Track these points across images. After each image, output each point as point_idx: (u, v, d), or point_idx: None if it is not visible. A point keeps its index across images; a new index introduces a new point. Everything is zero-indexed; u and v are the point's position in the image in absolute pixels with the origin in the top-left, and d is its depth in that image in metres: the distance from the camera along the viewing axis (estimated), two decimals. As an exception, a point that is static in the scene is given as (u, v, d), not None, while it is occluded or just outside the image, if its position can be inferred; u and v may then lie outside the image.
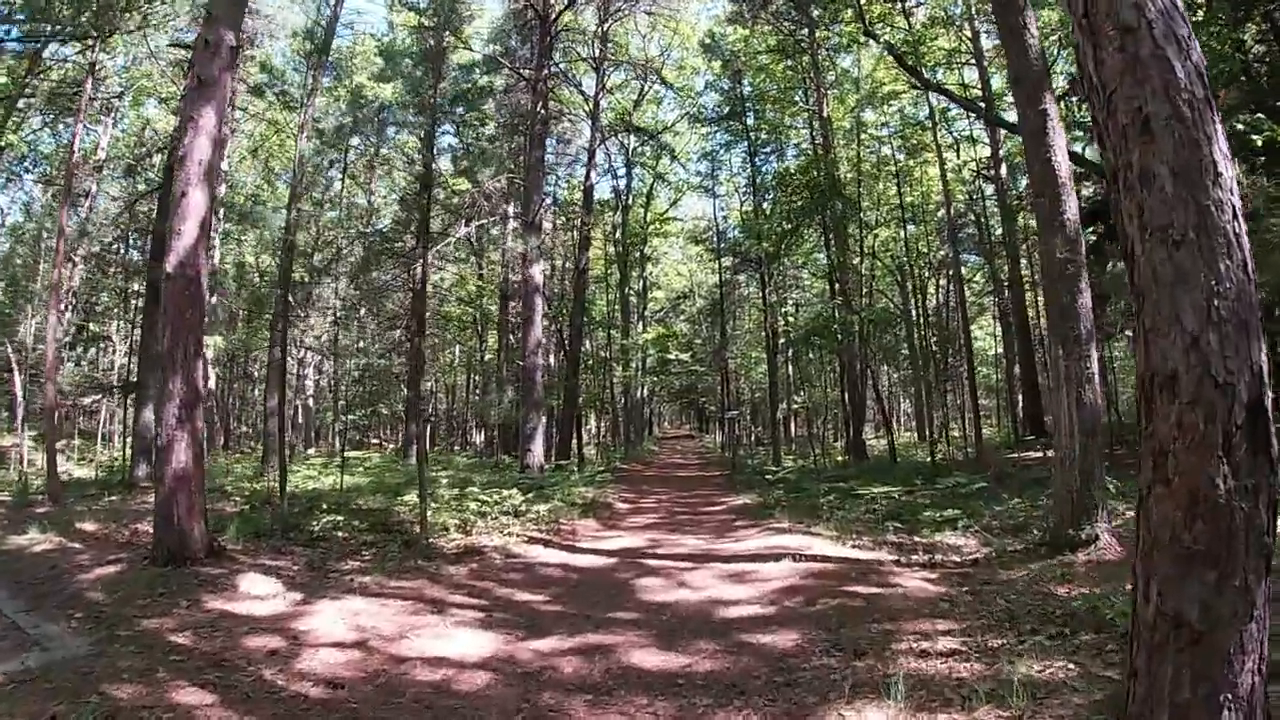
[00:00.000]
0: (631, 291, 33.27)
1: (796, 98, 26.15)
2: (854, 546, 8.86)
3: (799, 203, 20.20)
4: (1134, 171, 2.73)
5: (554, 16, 21.15)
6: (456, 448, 35.67)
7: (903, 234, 24.91)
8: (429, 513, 10.43)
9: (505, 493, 12.22)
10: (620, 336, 30.73)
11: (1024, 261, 24.59)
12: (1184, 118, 2.71)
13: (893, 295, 25.22)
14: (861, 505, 11.28)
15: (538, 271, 19.52)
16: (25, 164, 24.07)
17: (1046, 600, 5.86)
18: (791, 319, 28.17)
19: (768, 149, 27.99)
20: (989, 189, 24.86)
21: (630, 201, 30.68)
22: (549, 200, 27.82)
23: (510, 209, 24.14)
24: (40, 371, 19.35)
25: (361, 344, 27.49)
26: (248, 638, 5.68)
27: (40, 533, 9.58)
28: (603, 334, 31.71)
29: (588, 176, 24.94)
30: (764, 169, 27.20)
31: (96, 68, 17.94)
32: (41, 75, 18.42)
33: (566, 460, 21.11)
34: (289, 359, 30.76)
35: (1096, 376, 7.55)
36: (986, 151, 24.61)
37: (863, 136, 25.31)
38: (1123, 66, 2.82)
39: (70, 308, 26.19)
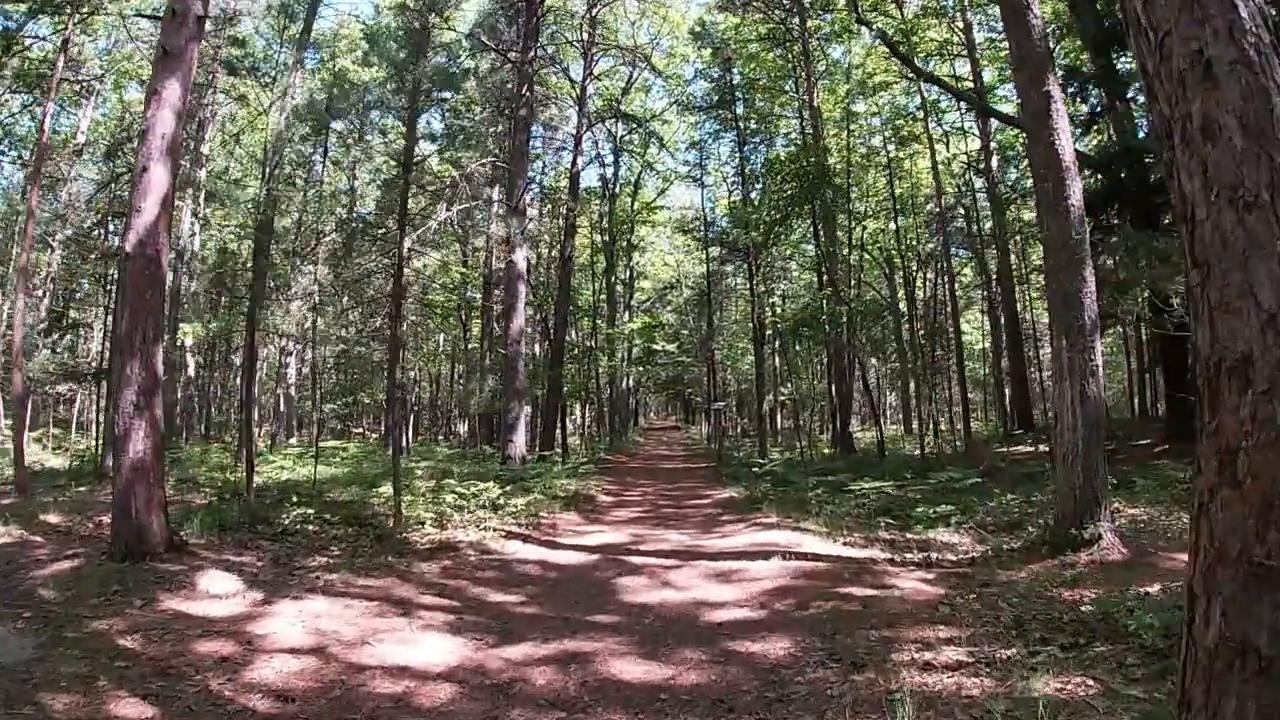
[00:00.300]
0: (618, 281, 32.81)
1: (787, 87, 25.84)
2: (845, 544, 8.53)
3: (789, 191, 19.83)
4: (1194, 123, 2.36)
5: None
6: (441, 438, 35.22)
7: (892, 225, 24.66)
8: (404, 505, 10.03)
9: (482, 485, 11.83)
10: (606, 326, 30.30)
11: (1013, 256, 24.37)
12: (1251, 62, 2.34)
13: (880, 287, 24.95)
14: (851, 500, 11.01)
15: (521, 258, 19.05)
16: (1, 145, 23.44)
17: (1053, 605, 5.49)
18: (779, 309, 27.86)
19: (756, 138, 27.62)
20: (979, 182, 24.61)
21: (618, 190, 30.17)
22: (535, 187, 27.34)
23: (494, 193, 23.67)
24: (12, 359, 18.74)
25: (344, 331, 26.89)
26: (200, 642, 5.28)
27: (2, 525, 9.12)
28: (588, 323, 31.22)
29: (574, 163, 24.47)
30: (753, 159, 26.84)
31: (69, 45, 17.34)
32: (20, 54, 17.82)
33: (550, 451, 20.67)
34: (269, 347, 30.27)
35: (1100, 369, 7.22)
36: (977, 144, 24.33)
37: (853, 127, 24.97)
38: (1179, 4, 2.44)
39: (48, 294, 25.59)
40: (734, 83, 26.04)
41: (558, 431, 23.58)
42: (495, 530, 9.91)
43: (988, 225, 23.83)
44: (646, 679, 4.70)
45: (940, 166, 23.39)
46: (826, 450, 22.77)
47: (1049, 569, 6.58)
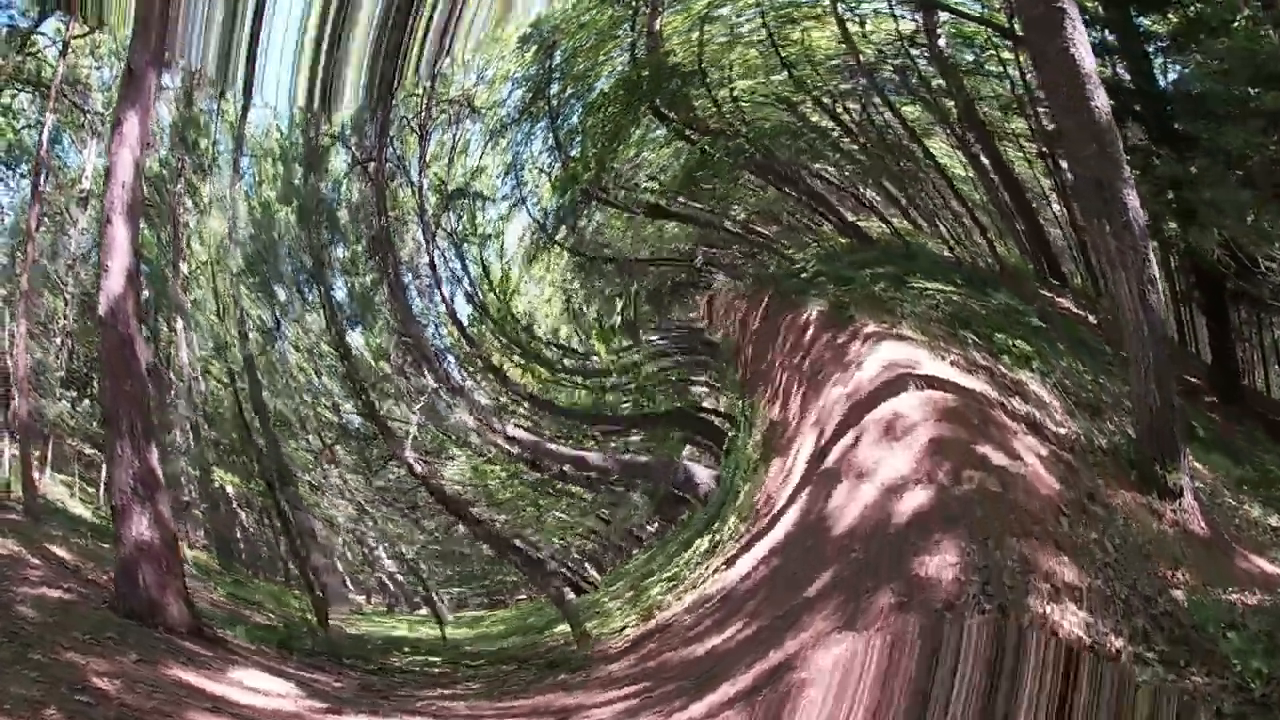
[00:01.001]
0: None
1: (619, 33, 23.25)
2: (952, 364, 8.36)
3: (616, 110, 18.76)
4: None
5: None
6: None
7: (776, 78, 21.93)
8: (592, 627, 9.28)
9: (689, 549, 10.66)
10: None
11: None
12: None
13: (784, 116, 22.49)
14: (920, 299, 10.63)
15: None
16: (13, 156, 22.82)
17: (1150, 578, 5.55)
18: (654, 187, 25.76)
19: (574, 100, 25.35)
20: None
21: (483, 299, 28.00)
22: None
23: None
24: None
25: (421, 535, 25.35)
26: (200, 715, 4.67)
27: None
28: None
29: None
30: (570, 120, 25.01)
31: (70, 45, 16.87)
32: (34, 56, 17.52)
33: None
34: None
35: (1158, 279, 6.93)
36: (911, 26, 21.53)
37: (710, 28, 22.15)
38: None
39: (66, 349, 24.75)
40: (553, 65, 23.91)
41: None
42: (720, 568, 8.95)
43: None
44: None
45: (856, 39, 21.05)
46: (842, 240, 20.61)
47: (1141, 509, 6.61)
